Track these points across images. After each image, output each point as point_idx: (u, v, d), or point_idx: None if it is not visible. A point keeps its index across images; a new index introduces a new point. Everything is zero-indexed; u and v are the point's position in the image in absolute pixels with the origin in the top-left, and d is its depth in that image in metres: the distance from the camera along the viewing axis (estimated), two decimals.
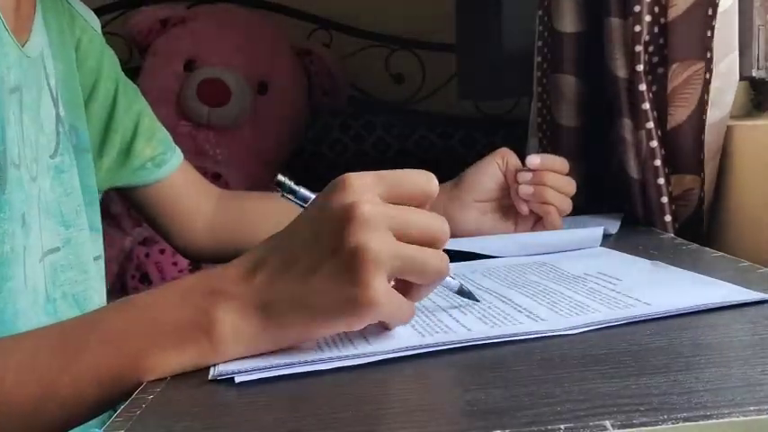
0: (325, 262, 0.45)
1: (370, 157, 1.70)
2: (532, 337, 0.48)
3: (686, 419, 0.34)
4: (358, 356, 0.46)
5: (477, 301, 0.55)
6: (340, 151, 1.72)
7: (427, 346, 0.47)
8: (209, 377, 0.45)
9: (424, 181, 0.49)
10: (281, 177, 0.54)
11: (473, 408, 0.38)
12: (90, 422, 0.49)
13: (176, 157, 0.89)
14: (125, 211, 1.52)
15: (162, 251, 1.47)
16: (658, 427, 0.34)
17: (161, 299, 0.49)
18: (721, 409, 0.35)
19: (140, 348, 0.47)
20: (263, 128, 1.61)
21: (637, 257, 0.69)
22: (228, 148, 1.57)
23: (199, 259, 1.19)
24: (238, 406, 0.42)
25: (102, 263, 0.78)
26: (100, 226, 0.78)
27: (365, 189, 0.46)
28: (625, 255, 0.71)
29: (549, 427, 0.34)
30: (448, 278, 0.53)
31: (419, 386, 0.45)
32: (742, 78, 0.93)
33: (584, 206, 0.96)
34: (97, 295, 0.75)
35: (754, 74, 0.94)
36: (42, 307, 0.66)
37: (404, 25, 1.72)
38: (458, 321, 0.52)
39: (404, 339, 0.48)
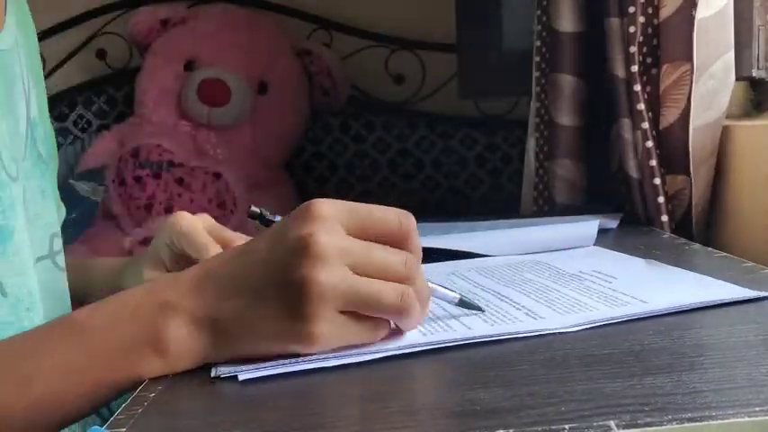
0: (274, 290, 0.45)
1: (371, 157, 1.70)
2: (533, 335, 0.48)
3: (691, 419, 0.34)
4: (361, 354, 0.46)
5: (482, 310, 0.53)
6: (340, 151, 1.72)
7: (430, 344, 0.47)
8: (212, 375, 0.45)
9: (394, 219, 0.47)
10: (254, 208, 0.54)
11: (476, 407, 0.38)
12: (89, 419, 0.49)
13: None
14: (125, 211, 1.52)
15: None
16: (663, 427, 0.34)
17: (111, 319, 0.48)
18: (726, 410, 0.34)
19: (95, 377, 0.47)
20: (263, 128, 1.61)
21: (631, 256, 0.69)
22: (228, 148, 1.57)
23: None
24: (240, 404, 0.42)
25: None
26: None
27: (328, 219, 0.45)
28: (618, 253, 0.72)
29: (553, 427, 0.34)
30: (446, 291, 0.52)
31: (421, 385, 0.45)
32: (741, 78, 0.93)
33: (584, 206, 0.96)
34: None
35: (753, 74, 0.94)
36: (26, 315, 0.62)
37: (404, 25, 1.72)
38: (458, 320, 0.52)
39: (406, 337, 0.48)
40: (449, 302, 0.53)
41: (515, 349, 0.47)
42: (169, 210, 1.49)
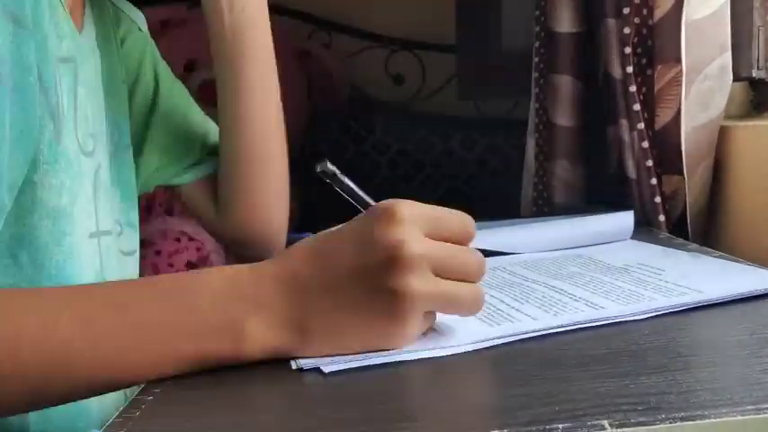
0: (367, 296, 0.46)
1: (370, 157, 1.70)
2: (597, 324, 0.49)
3: (684, 419, 0.34)
4: (437, 349, 0.47)
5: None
6: (340, 151, 1.72)
7: (502, 336, 0.48)
8: (293, 368, 0.46)
9: (459, 221, 0.50)
10: (330, 166, 0.55)
11: (471, 407, 0.38)
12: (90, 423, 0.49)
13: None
14: None
15: (158, 252, 1.47)
16: (656, 426, 0.34)
17: (194, 299, 0.48)
18: (719, 409, 0.35)
19: (167, 343, 0.47)
20: None
21: (673, 249, 0.70)
22: None
23: None
24: (234, 407, 0.42)
25: (137, 257, 0.77)
26: (137, 223, 0.78)
27: (412, 225, 0.47)
28: (657, 246, 0.72)
29: (548, 426, 0.34)
30: None
31: (418, 387, 0.45)
32: (741, 79, 0.93)
33: (584, 207, 0.96)
34: None
35: (753, 74, 0.94)
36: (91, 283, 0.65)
37: (404, 25, 1.72)
38: (518, 311, 0.53)
39: (477, 331, 0.49)
40: None
41: (511, 350, 0.47)
42: (169, 211, 1.50)
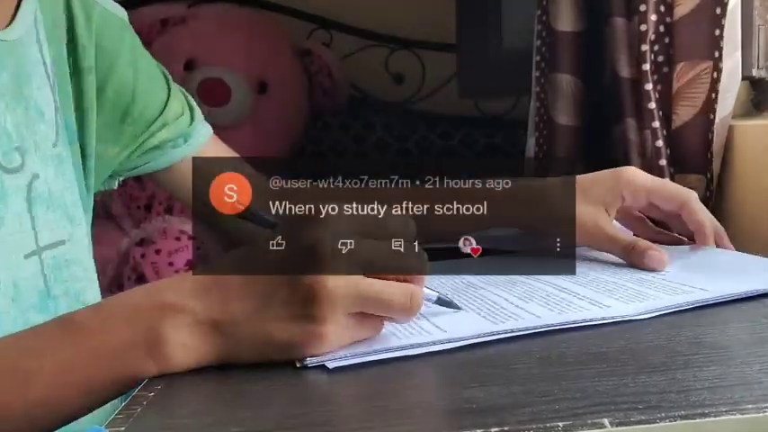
0: (284, 293, 0.45)
1: (370, 157, 1.70)
2: (602, 323, 0.49)
3: (684, 417, 0.34)
4: (443, 342, 0.47)
5: (459, 308, 0.53)
6: (340, 151, 1.72)
7: (505, 331, 0.48)
8: (297, 366, 0.45)
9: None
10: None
11: (471, 405, 0.38)
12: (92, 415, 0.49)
13: (201, 135, 0.82)
14: (125, 211, 1.52)
15: (158, 251, 1.47)
16: (656, 424, 0.34)
17: (109, 319, 0.48)
18: (719, 407, 0.35)
19: (91, 377, 0.47)
20: (263, 128, 1.61)
21: (672, 245, 0.70)
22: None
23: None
24: (238, 403, 0.42)
25: (89, 267, 0.74)
26: (85, 220, 0.75)
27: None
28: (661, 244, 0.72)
29: (548, 424, 0.34)
30: (426, 290, 0.52)
31: (418, 383, 0.45)
32: (741, 78, 0.93)
33: None
34: (94, 293, 0.73)
35: (754, 73, 0.94)
36: (35, 305, 0.64)
37: (404, 25, 1.72)
38: (523, 309, 0.52)
39: (479, 326, 0.49)
40: (429, 300, 0.53)
41: (512, 348, 0.47)
42: (169, 210, 1.50)
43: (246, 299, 0.46)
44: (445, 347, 0.46)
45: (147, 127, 0.78)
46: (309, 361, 0.46)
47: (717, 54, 0.85)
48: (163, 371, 0.46)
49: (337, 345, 0.46)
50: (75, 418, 0.48)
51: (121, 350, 0.47)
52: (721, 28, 0.85)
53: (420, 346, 0.46)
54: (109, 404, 0.49)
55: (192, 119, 0.82)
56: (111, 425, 0.39)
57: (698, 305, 0.51)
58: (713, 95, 0.86)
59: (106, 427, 0.39)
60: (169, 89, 0.81)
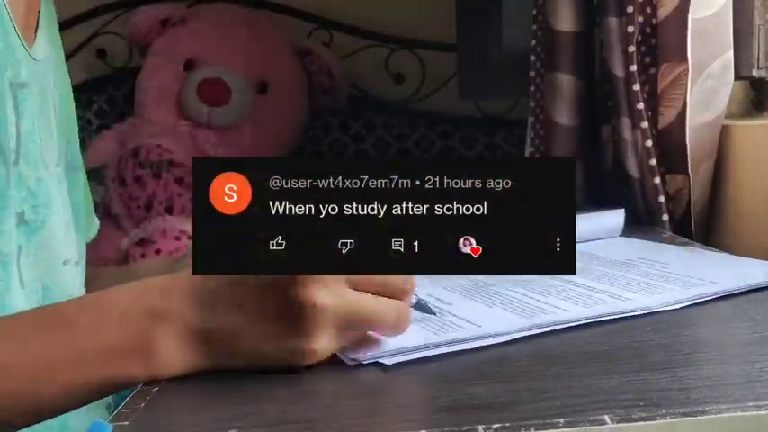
0: (274, 308, 0.45)
1: (371, 156, 1.70)
2: (628, 315, 0.50)
3: (684, 414, 0.34)
4: (495, 336, 0.47)
5: (435, 314, 0.52)
6: (340, 151, 1.72)
7: (537, 326, 0.48)
8: (351, 364, 0.45)
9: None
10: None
11: (473, 401, 0.38)
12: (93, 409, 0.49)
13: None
14: (125, 211, 1.52)
15: (158, 251, 1.47)
16: (657, 422, 0.34)
17: (98, 319, 0.47)
18: (720, 405, 0.35)
19: (75, 376, 0.46)
20: (263, 128, 1.61)
21: (662, 244, 0.70)
22: (228, 148, 1.57)
23: None
24: (244, 398, 0.42)
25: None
26: (84, 255, 0.75)
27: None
28: (648, 242, 0.72)
29: (549, 421, 0.34)
30: None
31: (420, 380, 0.45)
32: (741, 78, 0.93)
33: (584, 206, 0.96)
34: None
35: (753, 73, 0.94)
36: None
37: (404, 25, 1.72)
38: (546, 303, 0.52)
39: (514, 321, 0.49)
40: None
41: (513, 345, 0.47)
42: (169, 210, 1.50)
43: (238, 312, 0.46)
44: (494, 341, 0.46)
45: None
46: (364, 358, 0.45)
47: (688, 57, 0.86)
48: (151, 378, 0.46)
49: (325, 356, 0.46)
50: (48, 418, 0.47)
51: (111, 354, 0.46)
52: (686, 31, 0.85)
53: (473, 339, 0.46)
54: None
55: None
56: (116, 419, 0.39)
57: (717, 296, 0.52)
58: (686, 98, 0.86)
59: (111, 421, 0.39)
60: None
